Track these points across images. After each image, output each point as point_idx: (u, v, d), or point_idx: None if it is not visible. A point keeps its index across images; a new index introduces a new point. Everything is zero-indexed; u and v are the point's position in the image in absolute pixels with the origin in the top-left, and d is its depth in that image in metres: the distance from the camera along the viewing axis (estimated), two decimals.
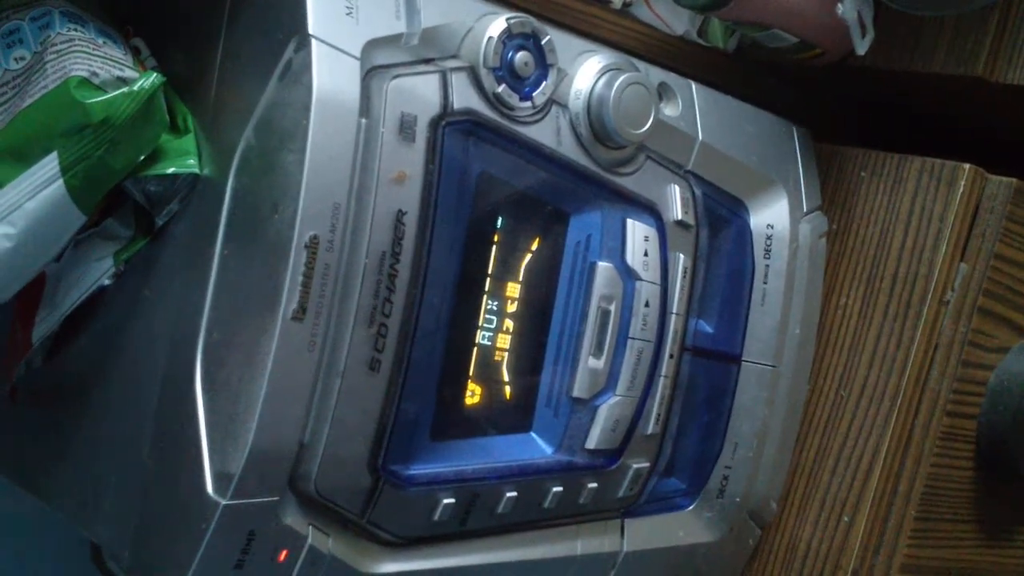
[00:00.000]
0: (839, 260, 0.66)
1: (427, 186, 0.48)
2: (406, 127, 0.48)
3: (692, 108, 0.59)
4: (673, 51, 0.63)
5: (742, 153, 0.61)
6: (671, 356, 0.57)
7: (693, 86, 0.59)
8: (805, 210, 0.64)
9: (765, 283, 0.61)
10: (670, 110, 0.58)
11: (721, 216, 0.60)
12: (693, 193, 0.58)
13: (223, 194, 0.48)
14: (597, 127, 0.54)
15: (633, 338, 0.55)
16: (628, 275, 0.55)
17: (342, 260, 0.46)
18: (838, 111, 0.75)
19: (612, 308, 0.54)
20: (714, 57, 0.65)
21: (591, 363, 0.54)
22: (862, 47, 0.62)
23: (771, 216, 0.62)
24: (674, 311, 0.56)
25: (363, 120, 0.47)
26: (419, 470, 0.50)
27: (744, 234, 0.61)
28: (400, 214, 0.48)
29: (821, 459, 0.64)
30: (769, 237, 0.62)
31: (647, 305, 0.55)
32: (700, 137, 0.59)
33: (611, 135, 0.54)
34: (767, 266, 0.62)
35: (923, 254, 0.62)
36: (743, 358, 0.61)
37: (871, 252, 0.64)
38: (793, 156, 0.64)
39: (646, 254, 0.55)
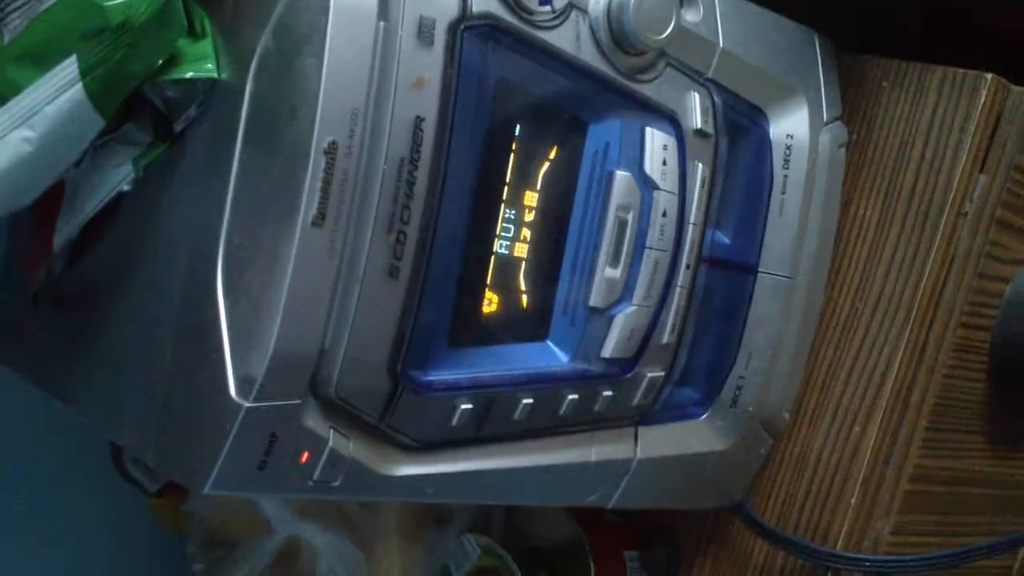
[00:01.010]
0: (858, 171, 0.65)
1: (445, 92, 0.48)
2: (425, 31, 0.47)
3: (713, 14, 0.58)
4: None
5: (763, 61, 0.60)
6: (687, 267, 0.57)
7: None
8: (825, 120, 0.63)
9: (783, 193, 0.61)
10: (691, 15, 0.57)
11: (741, 125, 0.60)
12: (713, 101, 0.57)
13: (242, 98, 0.48)
14: (617, 32, 0.53)
15: (650, 248, 0.55)
16: (646, 184, 0.55)
17: (360, 166, 0.46)
18: (859, 20, 0.74)
19: (629, 218, 0.54)
20: None
21: (608, 272, 0.54)
22: None
23: (791, 125, 0.62)
24: (691, 221, 0.56)
25: (381, 23, 0.46)
26: (437, 376, 0.51)
27: (763, 144, 0.61)
28: (419, 120, 0.47)
29: (834, 370, 0.65)
30: (788, 147, 0.61)
31: (664, 215, 0.55)
32: (721, 44, 0.58)
33: (631, 40, 0.53)
34: (785, 176, 0.61)
35: (943, 165, 0.62)
36: (759, 269, 0.61)
37: (890, 163, 0.64)
38: (814, 65, 0.63)
39: (664, 163, 0.55)
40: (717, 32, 0.58)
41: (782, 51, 0.61)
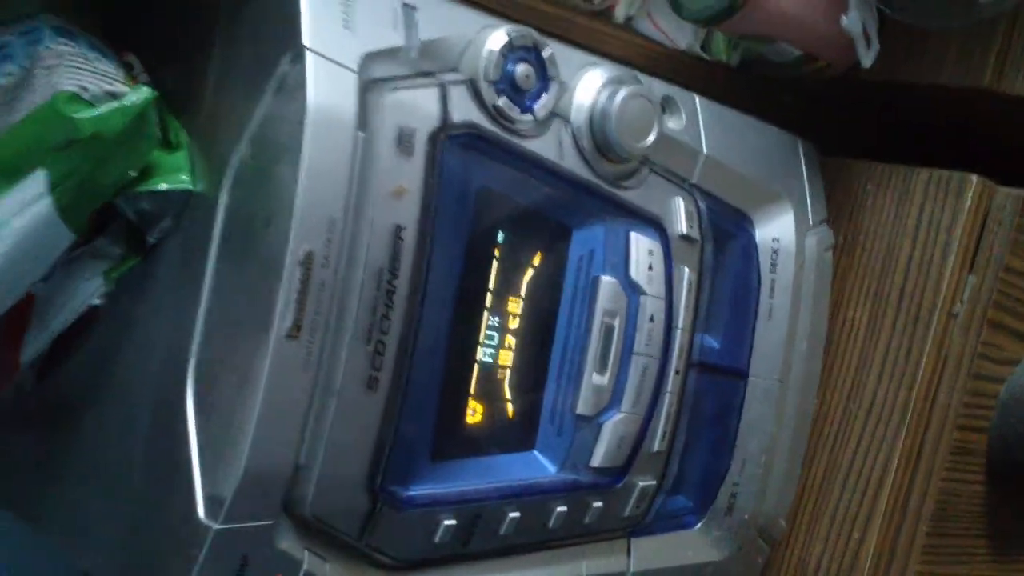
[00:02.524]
0: (846, 274, 0.64)
1: (426, 201, 0.47)
2: (404, 140, 0.47)
3: (696, 121, 0.58)
4: (676, 65, 0.62)
5: (747, 166, 0.60)
6: (676, 372, 0.55)
7: (697, 99, 0.58)
8: (811, 223, 0.63)
9: (771, 297, 0.60)
10: (674, 123, 0.57)
11: (726, 230, 0.59)
12: (698, 207, 0.57)
13: (216, 210, 0.47)
14: (600, 140, 0.52)
15: (638, 354, 0.53)
16: (632, 290, 0.54)
17: (338, 276, 0.45)
18: (843, 124, 0.74)
19: (616, 323, 0.53)
20: (718, 71, 0.64)
21: (595, 379, 0.53)
22: (867, 60, 0.61)
23: (776, 229, 0.61)
24: (679, 326, 0.55)
25: (360, 134, 0.45)
26: (419, 491, 0.49)
27: (750, 248, 0.60)
28: (398, 229, 0.47)
29: (830, 475, 0.63)
30: (775, 251, 0.61)
31: (651, 320, 0.54)
32: (704, 150, 0.58)
33: (614, 148, 0.53)
34: (773, 280, 0.61)
35: (931, 266, 0.61)
36: (750, 373, 0.60)
37: (878, 265, 0.63)
38: (798, 169, 0.63)
39: (650, 268, 0.54)
40: (700, 139, 0.58)
41: (766, 156, 0.61)
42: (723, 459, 0.59)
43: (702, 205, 0.57)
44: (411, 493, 0.49)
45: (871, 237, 0.64)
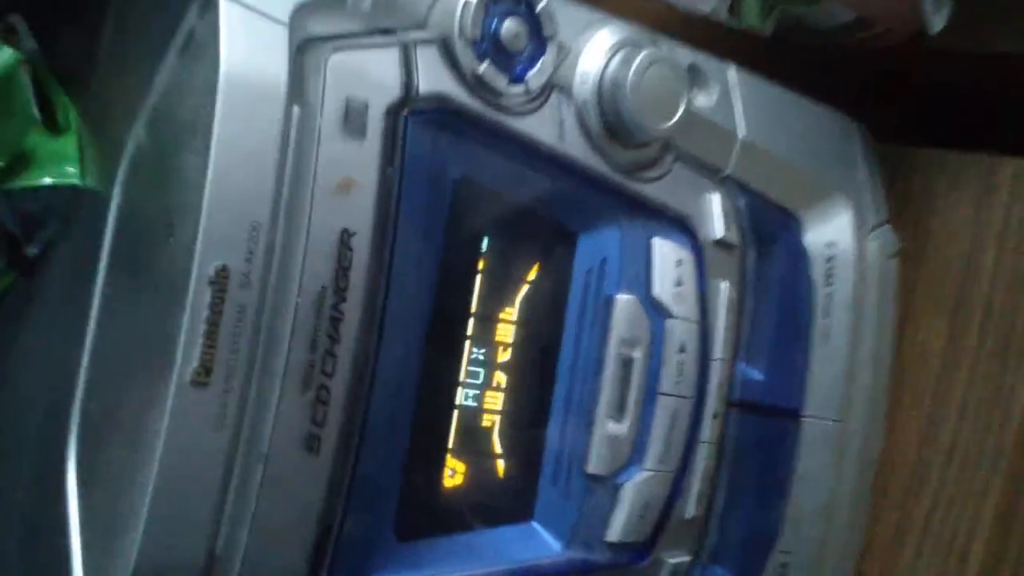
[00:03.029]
0: (913, 287, 0.53)
1: (383, 197, 0.36)
2: (353, 117, 0.35)
3: (730, 97, 0.46)
4: (697, 35, 0.50)
5: (793, 154, 0.48)
6: (714, 416, 0.43)
7: (731, 70, 0.47)
8: (871, 224, 0.51)
9: (827, 316, 0.48)
10: (702, 99, 0.45)
11: (770, 233, 0.47)
12: (735, 204, 0.45)
13: (107, 211, 0.36)
14: (611, 119, 0.41)
15: (665, 394, 0.42)
16: (656, 311, 0.42)
17: (264, 301, 0.34)
18: (900, 107, 0.62)
19: (637, 355, 0.41)
20: (747, 41, 0.52)
21: (610, 428, 0.41)
22: (936, 24, 0.49)
23: (831, 232, 0.49)
24: (717, 356, 0.43)
25: (294, 108, 0.34)
26: None
27: (798, 255, 0.48)
28: (346, 235, 0.35)
29: (902, 537, 0.51)
30: (830, 258, 0.49)
31: (682, 350, 0.42)
32: (742, 133, 0.46)
33: (629, 129, 0.41)
34: (828, 295, 0.49)
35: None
36: (803, 413, 0.47)
37: (956, 276, 0.52)
38: (855, 158, 0.51)
39: (679, 283, 0.42)
40: (736, 119, 0.46)
41: (817, 142, 0.49)
42: (771, 521, 0.48)
43: (740, 202, 0.46)
44: None
45: (945, 241, 0.52)
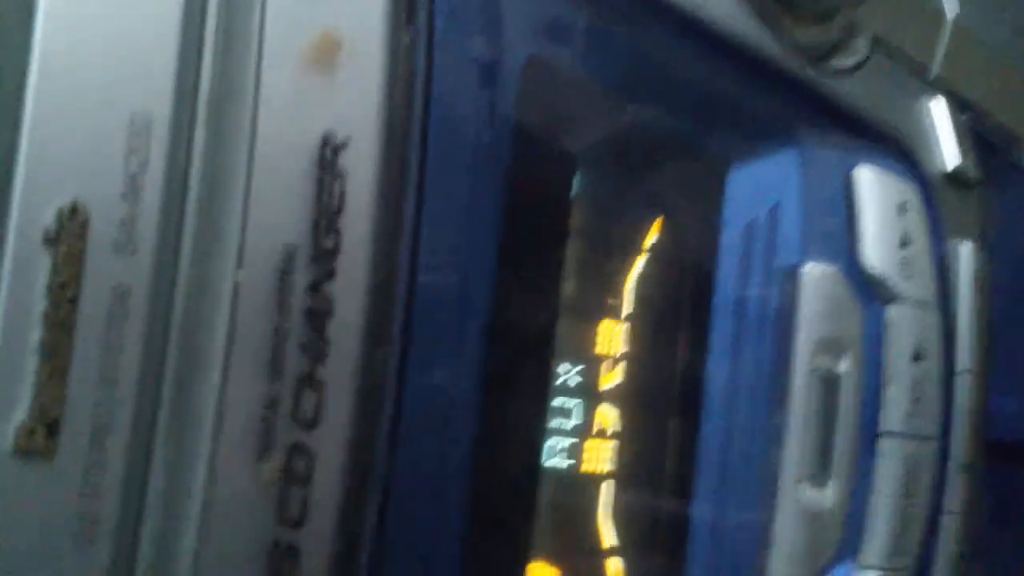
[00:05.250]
0: None
1: (396, 79, 0.19)
2: None
3: None
4: None
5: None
6: (966, 468, 0.26)
7: None
8: None
9: None
10: None
11: (997, 167, 0.30)
12: (962, 121, 0.28)
13: None
14: None
15: (893, 434, 0.24)
16: (870, 292, 0.24)
17: (165, 278, 0.16)
18: None
19: (843, 368, 0.24)
20: None
21: (807, 499, 0.23)
22: None
23: None
24: (964, 366, 0.26)
25: None
26: None
27: None
28: (329, 146, 0.18)
29: None
30: None
31: (917, 357, 0.24)
32: (951, 12, 0.29)
33: None
34: None
35: None
36: None
37: None
38: None
39: (905, 243, 0.25)
40: None
41: None
42: None
43: (962, 119, 0.29)
44: None
45: None
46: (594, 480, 0.24)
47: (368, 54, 0.18)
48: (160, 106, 0.17)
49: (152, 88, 0.17)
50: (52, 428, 0.16)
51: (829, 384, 0.24)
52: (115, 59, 0.17)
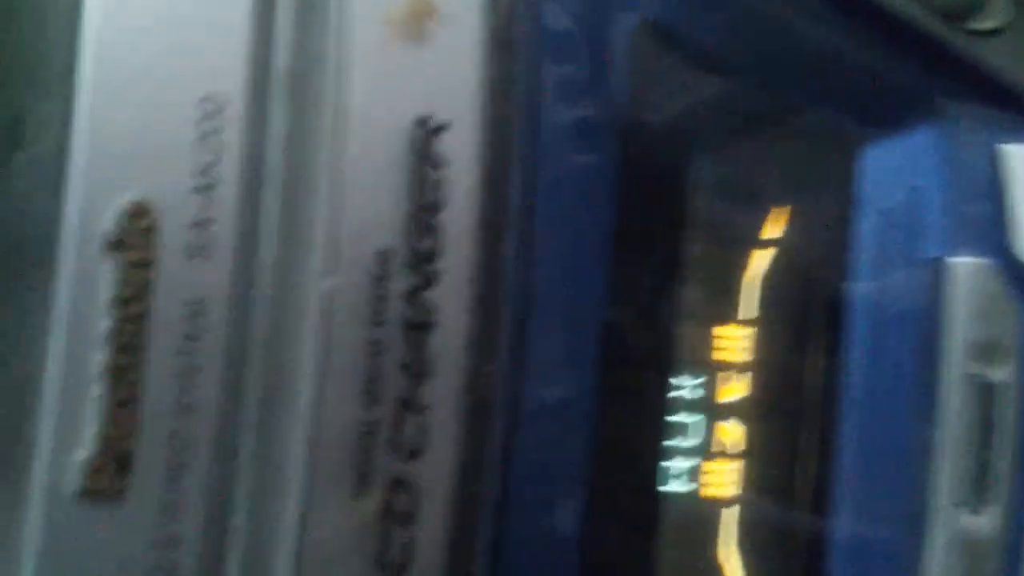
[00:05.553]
0: None
1: (498, 52, 0.16)
2: None
3: None
4: None
5: None
6: None
7: None
8: None
9: None
10: None
11: None
12: None
13: None
14: None
15: None
16: None
17: (239, 286, 0.14)
18: None
19: (1000, 376, 0.21)
20: None
21: (964, 525, 0.21)
22: None
23: None
24: None
25: None
26: None
27: None
28: (426, 128, 0.15)
29: None
30: None
31: None
32: None
33: None
34: None
35: None
36: None
37: None
38: None
39: None
40: None
41: None
42: None
43: None
44: None
45: None
46: (717, 505, 0.21)
47: (467, 19, 0.16)
48: (232, 86, 0.14)
49: (222, 65, 0.14)
50: (122, 465, 0.14)
51: (985, 394, 0.21)
52: (179, 33, 0.14)
